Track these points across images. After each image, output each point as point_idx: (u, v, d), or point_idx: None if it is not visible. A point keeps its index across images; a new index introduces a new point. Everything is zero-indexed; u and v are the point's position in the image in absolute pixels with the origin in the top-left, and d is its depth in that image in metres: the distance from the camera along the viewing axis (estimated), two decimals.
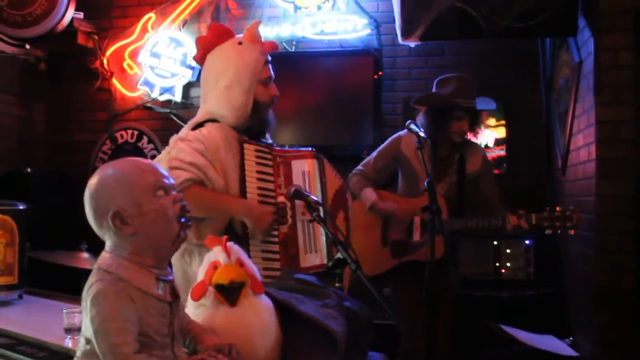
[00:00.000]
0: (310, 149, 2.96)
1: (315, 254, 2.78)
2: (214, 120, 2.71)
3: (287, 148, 2.95)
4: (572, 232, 3.19)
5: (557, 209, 3.20)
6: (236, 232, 2.63)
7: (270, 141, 2.89)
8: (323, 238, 2.81)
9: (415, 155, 3.49)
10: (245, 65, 2.72)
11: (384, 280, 3.64)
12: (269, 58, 2.81)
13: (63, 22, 5.07)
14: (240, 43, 2.77)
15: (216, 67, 2.76)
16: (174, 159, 2.57)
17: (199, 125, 2.72)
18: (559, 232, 3.20)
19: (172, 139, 2.70)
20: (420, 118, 3.51)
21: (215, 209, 2.62)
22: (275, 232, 2.68)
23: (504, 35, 3.73)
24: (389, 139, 3.69)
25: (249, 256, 2.53)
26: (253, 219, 2.59)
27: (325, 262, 2.79)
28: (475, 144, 3.66)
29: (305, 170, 2.84)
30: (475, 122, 3.52)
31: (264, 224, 2.59)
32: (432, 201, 2.81)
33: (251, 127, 2.76)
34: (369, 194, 3.57)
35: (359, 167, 3.72)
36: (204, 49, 2.81)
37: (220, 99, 2.72)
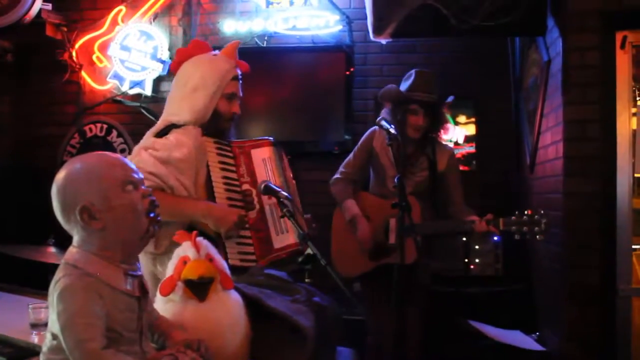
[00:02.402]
0: (267, 137, 3.00)
1: (286, 234, 2.79)
2: (175, 126, 2.69)
3: (245, 139, 2.95)
4: (539, 237, 3.14)
5: (528, 212, 3.18)
6: (200, 230, 2.61)
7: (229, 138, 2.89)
8: (291, 221, 2.78)
9: (384, 151, 3.52)
10: (213, 71, 2.75)
11: (357, 280, 3.65)
12: (240, 78, 2.83)
13: (31, 13, 4.99)
14: (215, 54, 2.83)
15: (187, 71, 2.79)
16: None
17: (162, 132, 2.69)
18: (527, 237, 3.18)
19: (135, 148, 2.68)
20: (383, 113, 3.52)
21: (175, 212, 2.55)
22: (244, 219, 2.68)
23: (474, 34, 3.76)
24: (365, 135, 3.69)
25: (225, 247, 2.54)
26: (214, 220, 2.56)
27: (297, 240, 2.75)
28: (444, 144, 3.68)
29: (265, 157, 2.89)
30: (434, 116, 3.48)
31: (227, 224, 2.55)
32: (402, 198, 2.83)
33: (214, 131, 2.76)
34: (351, 206, 3.53)
35: (342, 169, 3.69)
36: (180, 57, 2.84)
37: (183, 100, 2.73)
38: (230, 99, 2.78)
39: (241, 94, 2.84)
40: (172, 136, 2.65)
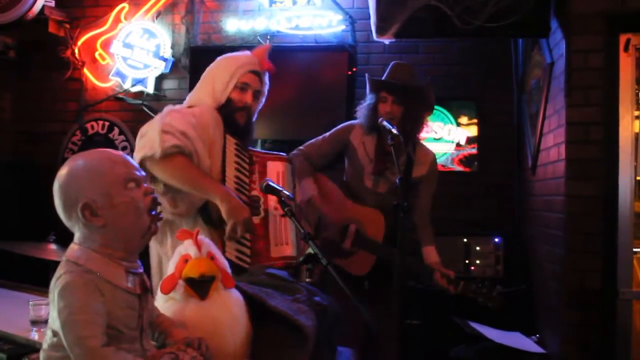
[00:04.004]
0: (284, 154, 3.11)
1: (284, 246, 2.85)
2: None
3: (262, 150, 3.05)
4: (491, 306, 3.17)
5: (486, 285, 3.18)
6: (209, 214, 2.63)
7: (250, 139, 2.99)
8: (292, 234, 2.90)
9: (362, 147, 3.47)
10: (233, 62, 2.86)
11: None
12: (264, 76, 2.96)
13: (34, 10, 5.00)
14: (244, 53, 2.94)
15: (214, 63, 2.92)
16: (167, 124, 2.58)
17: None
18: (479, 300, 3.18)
19: (166, 108, 2.74)
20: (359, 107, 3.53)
21: (195, 185, 2.59)
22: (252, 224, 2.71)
23: (478, 35, 3.75)
24: (340, 126, 3.60)
25: (223, 241, 2.55)
26: (230, 208, 2.56)
27: (294, 254, 2.87)
28: (427, 148, 3.59)
29: (279, 171, 2.96)
30: (407, 107, 3.38)
31: (239, 217, 2.55)
32: (404, 198, 2.80)
33: (229, 122, 2.81)
34: (309, 186, 3.40)
35: (304, 148, 3.57)
36: None
37: (204, 86, 2.86)
38: (243, 88, 2.84)
39: (261, 90, 2.95)
40: (196, 108, 2.76)
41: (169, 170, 2.53)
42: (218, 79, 2.83)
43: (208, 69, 2.93)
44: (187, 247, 2.03)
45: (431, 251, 3.41)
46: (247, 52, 2.94)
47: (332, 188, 3.53)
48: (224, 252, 2.54)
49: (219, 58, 2.94)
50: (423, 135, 3.62)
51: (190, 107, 2.80)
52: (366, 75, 3.57)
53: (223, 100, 2.80)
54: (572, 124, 3.47)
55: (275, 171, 2.94)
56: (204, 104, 2.79)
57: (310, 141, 3.60)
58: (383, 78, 3.49)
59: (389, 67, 3.52)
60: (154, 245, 2.76)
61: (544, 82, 3.95)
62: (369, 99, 3.48)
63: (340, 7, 4.98)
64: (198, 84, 2.92)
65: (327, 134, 3.59)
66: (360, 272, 3.28)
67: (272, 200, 2.80)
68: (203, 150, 2.63)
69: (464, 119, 4.91)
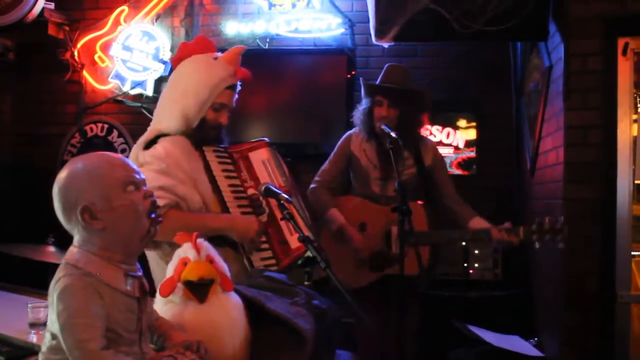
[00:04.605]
0: (261, 138, 2.98)
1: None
2: (163, 135, 2.66)
3: (239, 143, 2.93)
4: (561, 245, 3.07)
5: (547, 220, 3.09)
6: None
7: (223, 145, 2.85)
8: (301, 219, 2.78)
9: (363, 153, 3.49)
10: (208, 79, 2.66)
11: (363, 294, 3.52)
12: (238, 87, 2.76)
13: (33, 12, 5.00)
14: (215, 58, 2.73)
15: (182, 71, 2.73)
16: None
17: (150, 143, 2.65)
18: (548, 245, 3.09)
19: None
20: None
21: (200, 228, 2.43)
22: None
23: (476, 38, 3.76)
24: (340, 141, 3.63)
25: (250, 259, 2.55)
26: (238, 233, 2.57)
27: (310, 236, 2.71)
28: (425, 138, 3.64)
29: (264, 159, 2.87)
30: (403, 109, 3.39)
31: (250, 234, 2.57)
32: (403, 202, 2.81)
33: (200, 140, 2.71)
34: (335, 216, 3.42)
35: (317, 178, 3.60)
36: (182, 53, 2.79)
37: (173, 104, 2.68)
38: (219, 109, 2.70)
39: (233, 105, 2.77)
40: (159, 146, 2.60)
41: (166, 231, 2.21)
42: (190, 98, 2.64)
43: (176, 79, 2.73)
44: (186, 250, 2.03)
45: (479, 221, 3.37)
46: (221, 59, 2.72)
47: (358, 202, 3.52)
48: (252, 266, 2.57)
49: (189, 63, 2.72)
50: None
51: (155, 137, 2.65)
52: (360, 79, 3.57)
53: (195, 123, 2.67)
54: (570, 127, 3.47)
55: (260, 160, 2.85)
56: (172, 129, 2.64)
57: (321, 168, 3.63)
58: (378, 81, 3.50)
59: (384, 69, 3.54)
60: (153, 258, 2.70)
61: (543, 86, 3.96)
62: (364, 103, 3.50)
63: (340, 10, 4.98)
64: (167, 93, 2.74)
65: (331, 155, 3.64)
66: (411, 272, 3.05)
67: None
68: (185, 189, 2.55)
69: (462, 122, 4.91)
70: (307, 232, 2.57)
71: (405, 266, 3.19)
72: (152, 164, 2.55)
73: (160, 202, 2.40)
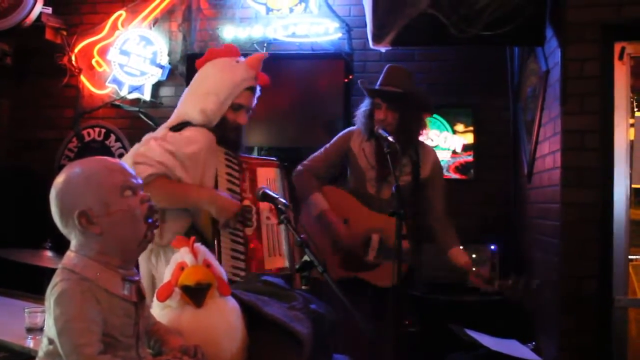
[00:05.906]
0: (274, 159, 3.09)
1: (278, 257, 2.85)
2: (188, 124, 2.73)
3: (253, 156, 3.01)
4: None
5: (523, 281, 3.13)
6: (200, 233, 2.63)
7: (239, 150, 2.94)
8: (285, 245, 2.90)
9: (362, 153, 3.46)
10: (230, 79, 2.78)
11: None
12: (258, 91, 2.88)
13: (31, 17, 5.00)
14: (237, 61, 2.84)
15: (206, 72, 2.84)
16: (141, 155, 2.59)
17: (176, 127, 2.73)
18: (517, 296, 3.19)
19: (146, 137, 2.72)
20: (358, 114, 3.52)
21: (179, 198, 2.62)
22: (241, 233, 2.72)
23: (474, 43, 3.77)
24: (340, 134, 3.58)
25: (219, 253, 2.56)
26: (217, 208, 2.62)
27: (287, 265, 2.87)
28: (428, 146, 3.59)
29: (269, 178, 2.95)
30: (403, 112, 3.36)
31: (228, 214, 2.62)
32: (400, 206, 2.80)
33: (221, 139, 2.78)
34: (319, 201, 3.38)
35: (307, 162, 3.53)
36: (208, 56, 2.89)
37: (195, 101, 2.77)
38: (237, 109, 2.80)
39: (253, 106, 2.88)
40: (186, 132, 2.69)
41: (152, 195, 2.28)
42: (212, 96, 2.75)
43: (201, 78, 2.84)
44: (183, 255, 2.03)
45: (458, 252, 3.36)
46: (243, 62, 2.85)
47: (345, 197, 3.48)
48: (220, 258, 2.58)
49: (213, 64, 2.85)
50: (420, 140, 3.58)
51: (177, 125, 2.74)
52: (359, 81, 3.56)
53: (216, 121, 2.76)
54: (567, 132, 3.48)
55: (266, 177, 2.93)
56: (194, 121, 2.73)
57: (312, 155, 3.57)
58: (378, 83, 3.47)
59: (384, 71, 3.51)
60: (145, 265, 2.74)
61: (540, 90, 3.97)
62: (365, 104, 3.48)
63: (337, 15, 4.99)
64: (188, 95, 2.84)
65: (328, 144, 3.58)
66: (387, 284, 3.14)
67: (264, 210, 2.81)
68: (184, 175, 2.61)
69: (460, 127, 4.92)
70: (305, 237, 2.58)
71: (380, 277, 3.25)
72: (167, 144, 2.62)
73: (150, 170, 2.51)
